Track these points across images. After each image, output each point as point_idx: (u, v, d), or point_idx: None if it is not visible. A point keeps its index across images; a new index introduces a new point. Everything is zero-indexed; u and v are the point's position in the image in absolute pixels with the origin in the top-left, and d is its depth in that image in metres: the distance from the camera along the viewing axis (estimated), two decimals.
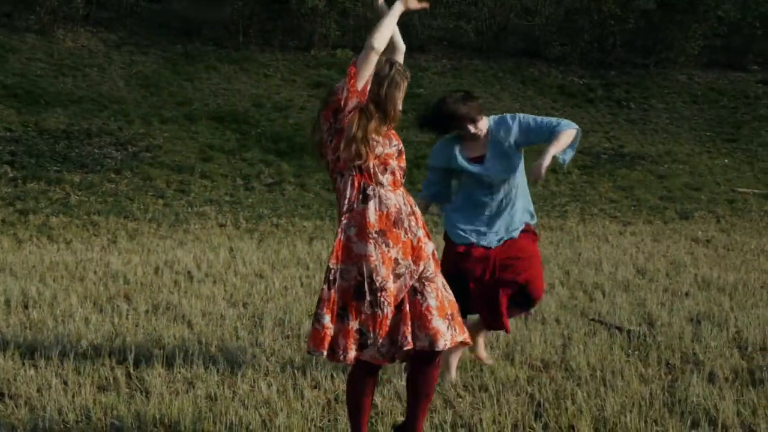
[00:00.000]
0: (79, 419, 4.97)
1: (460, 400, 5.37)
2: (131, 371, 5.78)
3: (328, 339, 4.10)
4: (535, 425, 4.93)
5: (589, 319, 7.35)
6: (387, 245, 4.11)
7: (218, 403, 5.20)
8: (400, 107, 4.27)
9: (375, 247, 4.08)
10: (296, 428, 4.78)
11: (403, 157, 4.30)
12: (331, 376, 5.71)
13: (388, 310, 4.08)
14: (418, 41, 22.10)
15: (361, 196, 4.14)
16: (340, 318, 4.10)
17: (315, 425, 4.90)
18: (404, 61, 4.40)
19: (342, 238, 4.13)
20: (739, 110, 21.74)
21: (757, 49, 24.77)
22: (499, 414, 5.07)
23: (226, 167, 15.73)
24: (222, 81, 19.74)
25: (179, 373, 5.75)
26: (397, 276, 4.13)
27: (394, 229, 4.13)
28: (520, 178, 5.72)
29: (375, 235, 4.08)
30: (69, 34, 20.36)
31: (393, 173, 4.21)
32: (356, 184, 4.16)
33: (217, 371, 5.78)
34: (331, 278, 4.12)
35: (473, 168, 5.59)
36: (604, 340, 6.67)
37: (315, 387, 5.57)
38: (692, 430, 4.85)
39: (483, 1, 23.46)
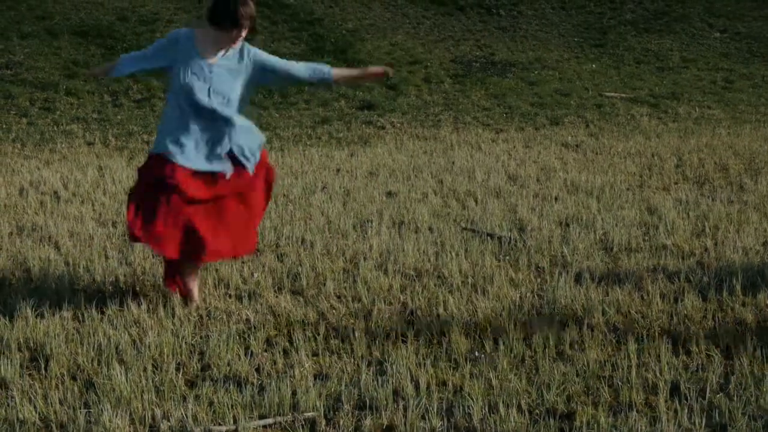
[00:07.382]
0: None
1: (334, 311, 5.37)
2: None
3: None
4: (407, 333, 4.97)
5: (461, 227, 7.43)
6: None
7: (86, 324, 5.08)
8: None
9: None
10: (167, 346, 4.71)
11: None
12: (204, 293, 5.65)
13: None
14: None
15: None
16: None
17: (186, 342, 4.84)
18: None
19: None
20: (605, 15, 22.01)
21: None
22: (372, 324, 5.10)
23: (93, 84, 15.22)
24: None
25: (45, 295, 5.60)
26: None
27: None
28: None
29: None
30: None
31: None
32: None
33: (85, 292, 5.65)
34: None
35: None
36: (476, 247, 6.75)
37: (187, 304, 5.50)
38: (560, 331, 4.97)
39: None
